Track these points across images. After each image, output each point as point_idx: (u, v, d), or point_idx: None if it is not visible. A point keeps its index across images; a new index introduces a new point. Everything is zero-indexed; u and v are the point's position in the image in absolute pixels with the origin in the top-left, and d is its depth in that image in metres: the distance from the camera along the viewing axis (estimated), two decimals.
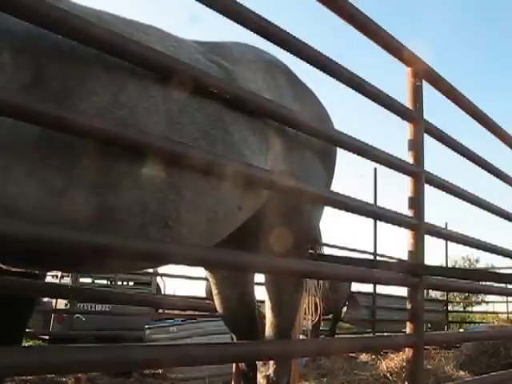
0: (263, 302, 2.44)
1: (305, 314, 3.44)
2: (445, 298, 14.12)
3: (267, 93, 2.00)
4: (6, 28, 1.32)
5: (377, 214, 2.34)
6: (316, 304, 3.67)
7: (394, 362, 5.49)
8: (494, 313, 17.09)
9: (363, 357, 7.21)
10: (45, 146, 1.36)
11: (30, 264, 1.71)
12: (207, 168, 1.56)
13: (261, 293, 2.58)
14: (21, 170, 1.33)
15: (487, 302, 20.81)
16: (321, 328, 8.37)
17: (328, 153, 2.35)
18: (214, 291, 2.54)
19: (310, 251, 2.70)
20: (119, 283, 8.60)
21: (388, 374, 5.24)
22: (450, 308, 14.30)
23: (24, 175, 1.34)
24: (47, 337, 7.72)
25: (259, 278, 2.67)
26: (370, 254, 9.44)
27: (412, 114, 2.47)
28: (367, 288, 10.34)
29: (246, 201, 1.94)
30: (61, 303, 7.33)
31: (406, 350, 2.35)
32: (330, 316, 9.10)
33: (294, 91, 2.22)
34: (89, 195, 1.45)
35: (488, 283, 3.29)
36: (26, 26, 1.23)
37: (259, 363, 2.34)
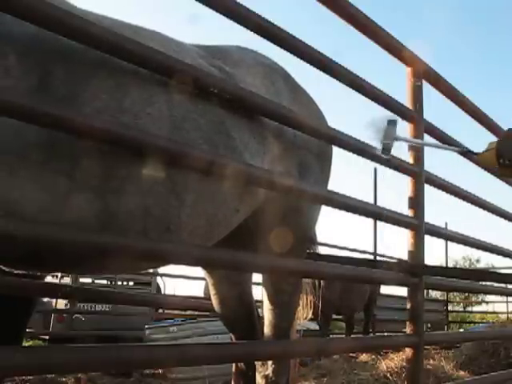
0: (261, 302, 2.44)
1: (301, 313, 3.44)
2: (445, 298, 14.12)
3: (266, 96, 2.00)
4: (11, 32, 1.32)
5: (377, 213, 2.34)
6: (311, 303, 3.67)
7: (394, 362, 5.47)
8: (494, 313, 17.10)
9: (363, 357, 7.19)
10: (49, 150, 1.36)
11: (31, 266, 1.71)
12: (208, 169, 1.56)
13: (259, 293, 2.58)
14: (25, 175, 1.34)
15: (487, 302, 20.80)
16: (312, 328, 8.33)
17: (324, 153, 2.35)
18: (212, 291, 2.54)
19: (308, 251, 2.70)
20: (119, 283, 8.58)
21: (388, 374, 5.22)
22: (450, 308, 14.28)
23: (28, 179, 1.34)
24: (47, 337, 7.71)
25: (257, 278, 2.67)
26: (370, 254, 9.43)
27: (412, 114, 2.47)
28: None
29: (244, 202, 1.95)
30: (61, 303, 7.32)
31: (406, 349, 2.35)
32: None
33: (293, 96, 2.23)
34: (92, 200, 1.46)
35: (488, 283, 3.29)
36: (31, 29, 1.23)
37: (258, 363, 2.33)
